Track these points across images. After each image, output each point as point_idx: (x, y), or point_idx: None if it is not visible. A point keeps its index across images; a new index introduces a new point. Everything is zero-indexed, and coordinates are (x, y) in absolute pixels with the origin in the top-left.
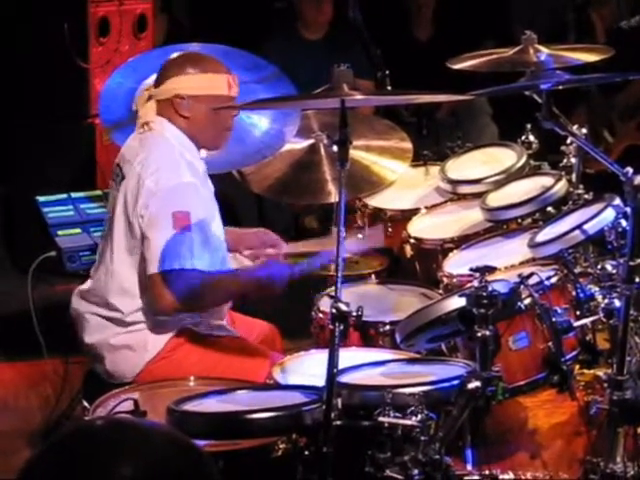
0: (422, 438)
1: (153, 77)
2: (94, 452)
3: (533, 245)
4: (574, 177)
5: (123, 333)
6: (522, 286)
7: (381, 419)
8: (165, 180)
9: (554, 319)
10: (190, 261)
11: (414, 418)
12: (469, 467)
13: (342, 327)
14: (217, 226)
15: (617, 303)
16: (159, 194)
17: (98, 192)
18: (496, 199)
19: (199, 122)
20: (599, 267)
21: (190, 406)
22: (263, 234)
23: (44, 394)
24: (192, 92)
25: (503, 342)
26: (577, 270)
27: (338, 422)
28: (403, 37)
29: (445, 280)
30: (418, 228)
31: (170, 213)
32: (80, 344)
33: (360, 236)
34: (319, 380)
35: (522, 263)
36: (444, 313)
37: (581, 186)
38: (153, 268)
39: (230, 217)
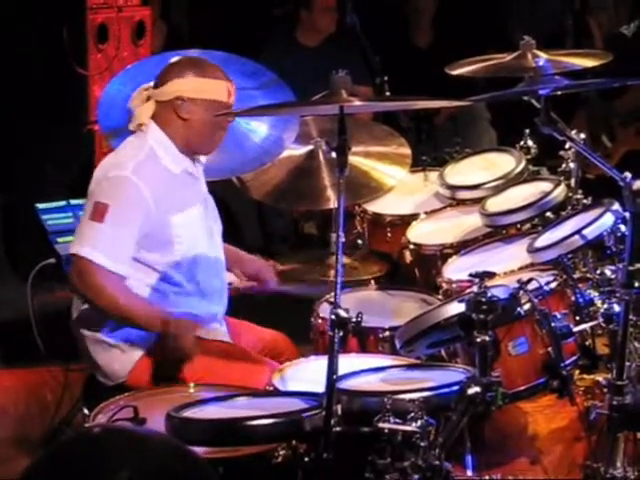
0: (422, 444)
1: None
2: (93, 459)
3: (532, 250)
4: (573, 182)
5: (114, 330)
6: (521, 291)
7: (381, 425)
8: (110, 172)
9: (553, 324)
10: (91, 251)
11: (414, 424)
12: (469, 473)
13: (341, 333)
14: (190, 224)
15: (616, 308)
16: (99, 183)
17: None
18: (495, 204)
19: (196, 125)
20: (598, 272)
21: (190, 413)
22: (261, 265)
23: (44, 401)
24: (193, 95)
25: (503, 348)
26: (576, 275)
27: (338, 428)
28: (402, 43)
29: (444, 286)
30: (417, 234)
31: (93, 202)
32: (79, 349)
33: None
34: (319, 386)
35: (521, 268)
36: (443, 319)
37: (580, 191)
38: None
39: (230, 223)
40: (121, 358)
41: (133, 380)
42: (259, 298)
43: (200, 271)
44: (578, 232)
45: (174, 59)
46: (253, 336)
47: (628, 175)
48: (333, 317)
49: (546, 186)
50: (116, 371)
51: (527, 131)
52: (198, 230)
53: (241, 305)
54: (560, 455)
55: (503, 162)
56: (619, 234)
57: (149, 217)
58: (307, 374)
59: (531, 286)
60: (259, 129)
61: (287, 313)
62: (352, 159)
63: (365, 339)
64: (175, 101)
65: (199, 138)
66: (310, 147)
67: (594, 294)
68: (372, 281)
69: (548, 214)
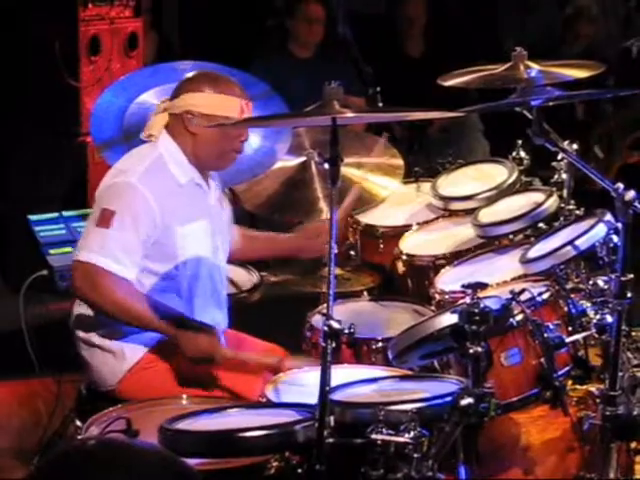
0: (415, 455)
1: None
2: (86, 472)
3: (525, 261)
4: (565, 193)
5: (107, 336)
6: (514, 302)
7: (374, 436)
8: (118, 178)
9: (546, 335)
10: (97, 257)
11: (407, 435)
12: None
13: (334, 344)
14: (194, 237)
15: (609, 319)
16: (106, 189)
17: (90, 211)
18: (488, 215)
19: (205, 141)
20: (591, 283)
21: (183, 425)
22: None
23: (37, 413)
24: (203, 110)
25: (495, 358)
26: (569, 286)
27: (331, 440)
28: (394, 54)
29: (437, 297)
30: (410, 245)
31: (101, 208)
32: (75, 351)
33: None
34: (312, 398)
35: (514, 279)
36: (436, 330)
37: (572, 202)
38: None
39: None
40: (112, 364)
41: (122, 389)
42: (252, 308)
43: (199, 287)
44: (570, 243)
45: (191, 72)
46: (251, 349)
47: (620, 186)
48: (326, 328)
49: (538, 197)
50: (106, 378)
51: (519, 142)
52: (202, 244)
53: (233, 315)
54: (553, 466)
55: (496, 173)
56: (611, 245)
57: (155, 224)
58: (300, 385)
59: (524, 297)
60: (251, 140)
61: (279, 324)
62: (344, 170)
63: (358, 350)
64: (185, 115)
65: (206, 154)
66: (303, 158)
67: (587, 305)
68: (365, 292)
69: (540, 225)
